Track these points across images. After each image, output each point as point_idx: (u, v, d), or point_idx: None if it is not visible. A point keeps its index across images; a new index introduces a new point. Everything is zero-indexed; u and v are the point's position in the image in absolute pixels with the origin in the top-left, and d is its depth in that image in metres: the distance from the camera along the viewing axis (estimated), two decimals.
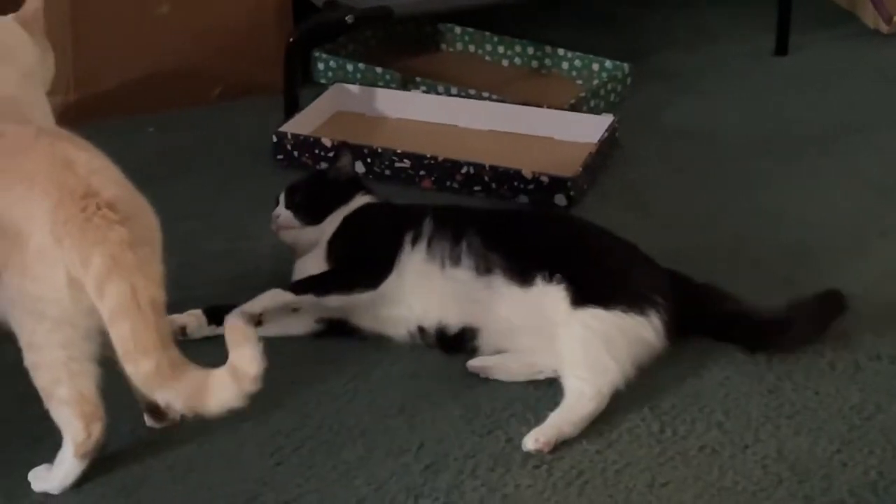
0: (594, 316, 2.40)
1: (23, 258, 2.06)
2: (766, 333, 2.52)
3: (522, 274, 2.46)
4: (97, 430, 2.14)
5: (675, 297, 2.48)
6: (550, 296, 2.43)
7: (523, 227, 2.60)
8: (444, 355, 2.50)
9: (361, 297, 2.51)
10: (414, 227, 2.54)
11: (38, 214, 2.06)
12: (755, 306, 2.54)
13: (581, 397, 2.33)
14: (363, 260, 2.57)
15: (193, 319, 2.52)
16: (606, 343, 2.37)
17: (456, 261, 2.49)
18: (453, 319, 2.49)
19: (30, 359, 2.12)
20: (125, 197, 2.11)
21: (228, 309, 2.52)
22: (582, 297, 2.41)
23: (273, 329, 2.54)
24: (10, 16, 2.48)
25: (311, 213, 2.66)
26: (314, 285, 2.55)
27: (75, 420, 2.13)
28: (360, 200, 2.68)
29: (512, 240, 2.52)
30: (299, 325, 2.56)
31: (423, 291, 2.50)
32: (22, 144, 2.17)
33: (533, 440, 2.27)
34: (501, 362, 2.45)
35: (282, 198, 2.70)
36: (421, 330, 2.51)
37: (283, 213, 2.68)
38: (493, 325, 2.47)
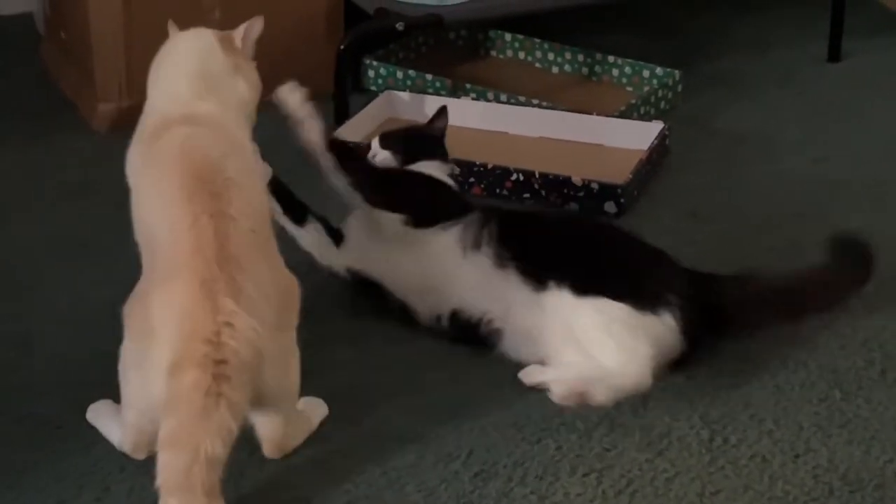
0: (605, 303, 2.38)
1: None
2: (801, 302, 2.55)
3: (536, 276, 2.45)
4: (137, 455, 2.20)
5: (699, 296, 2.45)
6: (559, 297, 2.42)
7: (541, 229, 2.58)
8: (495, 363, 2.49)
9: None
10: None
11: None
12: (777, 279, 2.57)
13: (625, 368, 2.32)
14: (416, 196, 2.63)
15: None
16: (628, 328, 2.35)
17: (476, 246, 2.50)
18: (472, 306, 2.49)
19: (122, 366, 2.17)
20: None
21: None
22: (587, 288, 2.40)
23: (309, 245, 2.66)
24: (209, 30, 2.53)
25: (408, 154, 2.72)
26: (353, 160, 2.64)
27: (126, 438, 2.20)
28: (430, 166, 2.72)
29: (527, 240, 2.52)
30: (334, 260, 2.64)
31: (445, 272, 2.52)
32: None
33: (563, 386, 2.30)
34: (558, 377, 2.42)
35: (375, 143, 2.76)
36: (445, 314, 2.52)
37: (379, 152, 2.74)
38: (513, 324, 2.46)
